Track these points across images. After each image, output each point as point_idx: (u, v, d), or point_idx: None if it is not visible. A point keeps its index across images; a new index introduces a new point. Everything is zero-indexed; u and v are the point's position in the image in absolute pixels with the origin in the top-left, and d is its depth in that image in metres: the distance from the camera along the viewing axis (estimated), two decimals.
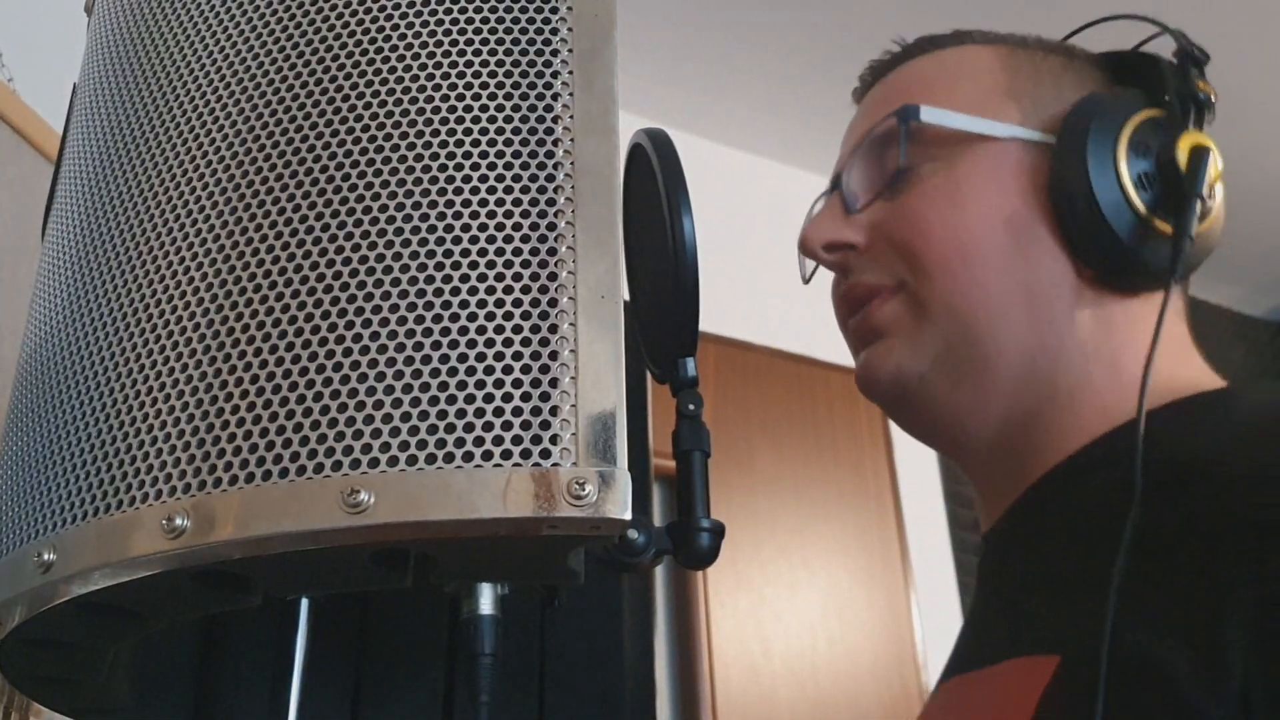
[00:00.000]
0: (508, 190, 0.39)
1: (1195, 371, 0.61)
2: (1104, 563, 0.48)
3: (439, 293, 0.37)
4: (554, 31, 0.42)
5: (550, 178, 0.39)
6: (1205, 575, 0.45)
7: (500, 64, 0.41)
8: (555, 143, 0.40)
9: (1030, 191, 0.60)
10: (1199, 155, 0.57)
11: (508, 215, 0.39)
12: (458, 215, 0.39)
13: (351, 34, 0.42)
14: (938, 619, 2.41)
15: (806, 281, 0.72)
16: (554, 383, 0.36)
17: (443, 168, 0.39)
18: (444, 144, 0.40)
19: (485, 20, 0.42)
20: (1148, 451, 0.51)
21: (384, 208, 0.39)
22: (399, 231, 0.38)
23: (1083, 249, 0.59)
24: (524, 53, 0.42)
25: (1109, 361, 0.59)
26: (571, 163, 0.40)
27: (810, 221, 0.67)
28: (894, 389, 0.63)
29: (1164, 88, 0.59)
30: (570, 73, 0.41)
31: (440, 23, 0.42)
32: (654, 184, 0.47)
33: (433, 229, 0.38)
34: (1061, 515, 0.57)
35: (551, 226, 0.39)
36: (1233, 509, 0.46)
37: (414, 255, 0.38)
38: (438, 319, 0.37)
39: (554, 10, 0.43)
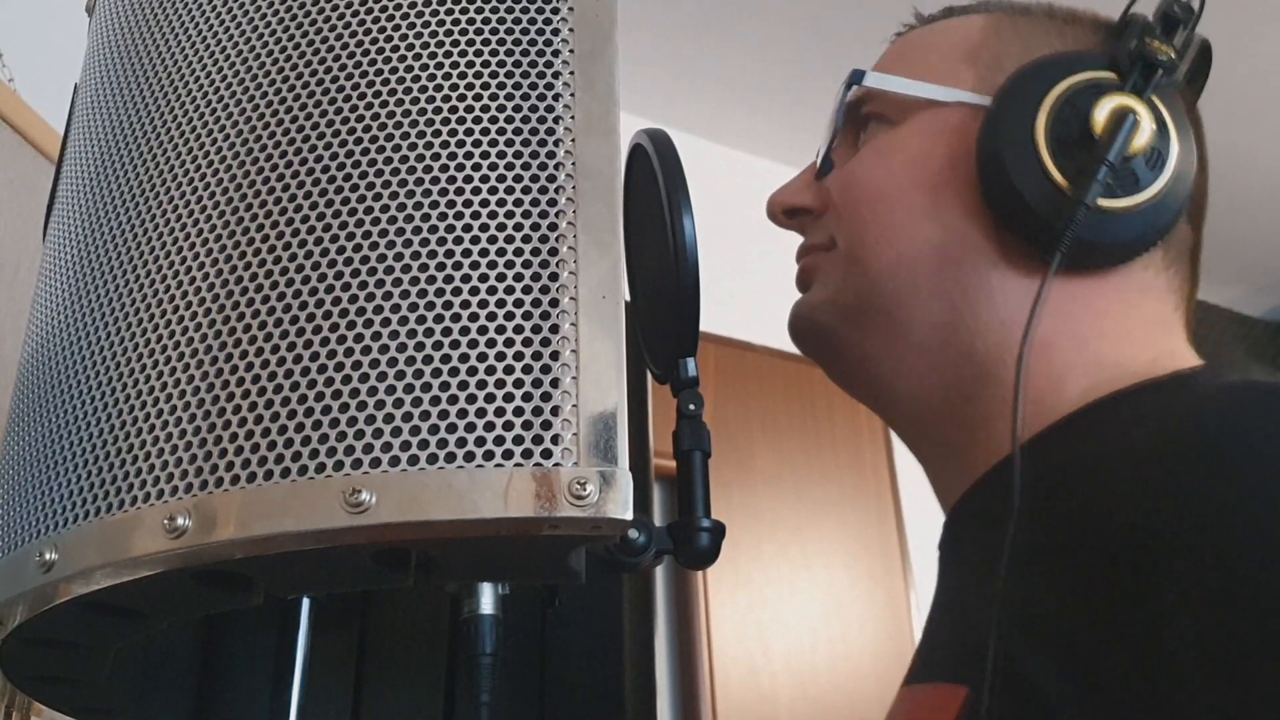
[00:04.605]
0: (509, 190, 0.39)
1: (1155, 355, 0.55)
2: (1012, 580, 0.44)
3: (440, 292, 0.37)
4: (555, 32, 0.42)
5: (551, 178, 0.40)
6: (1088, 594, 0.42)
7: (501, 64, 0.41)
8: (556, 143, 0.40)
9: (961, 155, 0.57)
10: (1118, 118, 0.52)
11: (509, 215, 0.39)
12: (459, 215, 0.39)
13: (353, 34, 0.42)
14: None
15: None
16: (555, 383, 0.36)
17: (444, 168, 0.39)
18: (445, 144, 0.40)
19: (486, 20, 0.42)
20: (1077, 447, 0.48)
21: (385, 207, 0.39)
22: (400, 231, 0.38)
23: (998, 217, 0.55)
24: (525, 53, 0.42)
25: (1040, 346, 0.54)
26: (573, 163, 0.40)
27: (779, 187, 0.67)
28: (808, 338, 0.63)
29: (1120, 49, 0.54)
30: (571, 73, 0.41)
31: (441, 23, 0.42)
32: (655, 184, 0.47)
33: (434, 229, 0.38)
34: (982, 526, 0.54)
35: (553, 227, 0.39)
36: (1124, 519, 0.42)
37: (415, 255, 0.38)
38: (439, 318, 0.37)
39: (555, 11, 0.43)
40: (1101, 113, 0.52)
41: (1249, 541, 0.38)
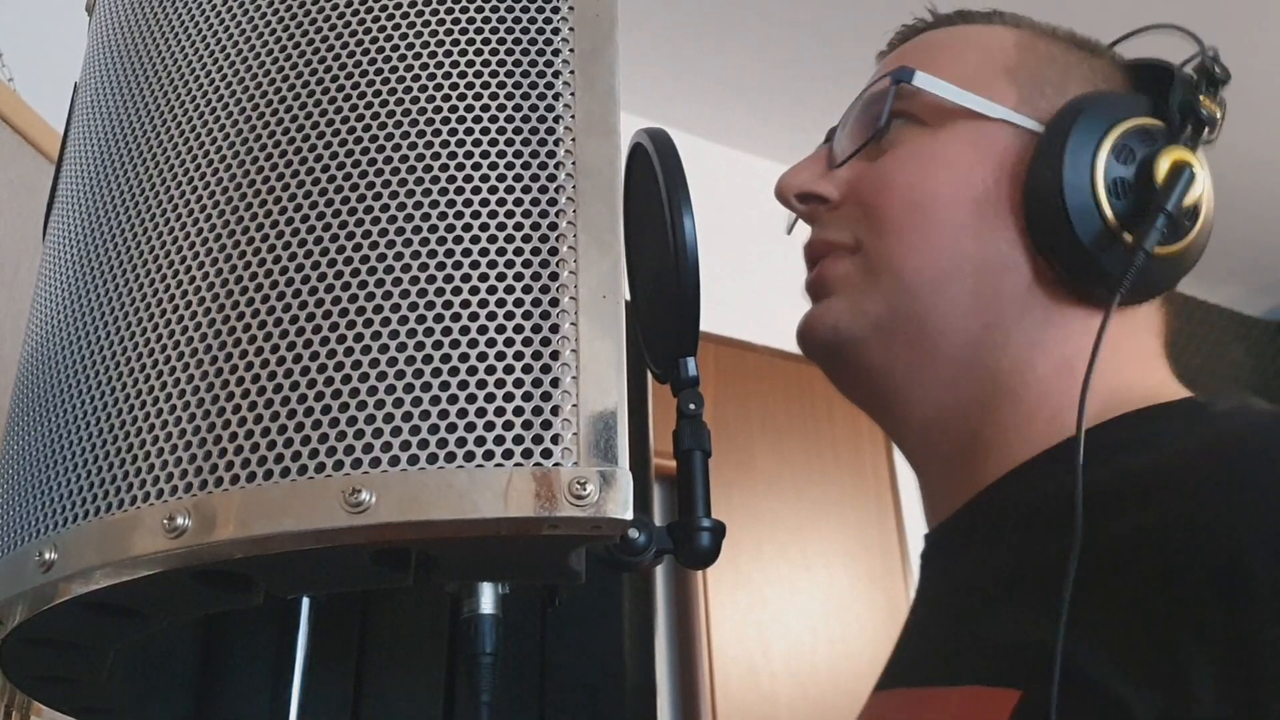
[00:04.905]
0: (509, 190, 0.39)
1: (1156, 383, 0.59)
2: (1058, 587, 0.45)
3: (440, 292, 0.37)
4: (555, 31, 0.42)
5: (551, 178, 0.39)
6: (1166, 604, 0.43)
7: (501, 64, 0.41)
8: (556, 143, 0.40)
9: (1006, 176, 0.59)
10: (1178, 170, 0.55)
11: (509, 215, 0.39)
12: (459, 215, 0.39)
13: (353, 34, 0.42)
14: None
15: (789, 232, 0.70)
16: (555, 382, 0.36)
17: (444, 167, 0.39)
18: (445, 144, 0.40)
19: (487, 20, 0.42)
20: (1100, 463, 0.49)
21: (385, 207, 0.39)
22: (400, 231, 0.38)
23: (1042, 246, 0.57)
24: (525, 53, 0.42)
25: (1062, 368, 0.58)
26: (573, 163, 0.40)
27: (791, 167, 0.66)
28: (828, 349, 0.63)
29: (1168, 99, 0.57)
30: (572, 73, 0.41)
31: (441, 22, 0.42)
32: (655, 184, 0.47)
33: (434, 229, 0.38)
34: (1014, 528, 0.55)
35: (553, 226, 0.39)
36: (1198, 528, 0.44)
37: (415, 255, 0.38)
38: (439, 318, 0.37)
39: (555, 10, 0.42)
40: (1164, 163, 0.55)
41: None
